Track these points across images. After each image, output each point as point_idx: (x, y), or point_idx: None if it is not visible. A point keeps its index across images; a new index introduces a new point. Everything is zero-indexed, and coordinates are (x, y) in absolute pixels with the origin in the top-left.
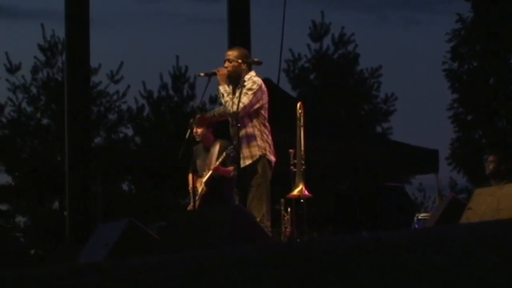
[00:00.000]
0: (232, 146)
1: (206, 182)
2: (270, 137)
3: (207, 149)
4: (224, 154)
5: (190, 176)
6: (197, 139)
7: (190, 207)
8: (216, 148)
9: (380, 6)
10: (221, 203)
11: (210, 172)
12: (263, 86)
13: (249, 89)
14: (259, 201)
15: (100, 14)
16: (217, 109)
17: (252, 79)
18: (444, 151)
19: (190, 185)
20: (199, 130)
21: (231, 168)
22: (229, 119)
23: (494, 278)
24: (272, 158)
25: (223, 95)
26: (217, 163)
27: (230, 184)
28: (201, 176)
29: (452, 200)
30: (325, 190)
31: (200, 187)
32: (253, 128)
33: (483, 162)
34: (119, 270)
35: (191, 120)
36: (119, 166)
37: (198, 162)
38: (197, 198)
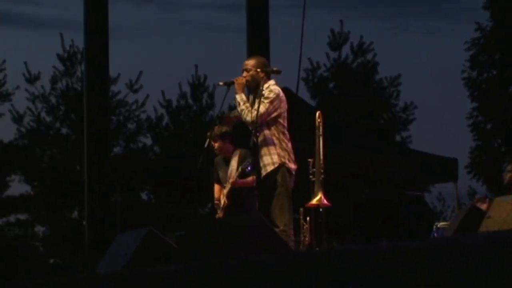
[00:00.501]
0: (248, 160)
1: (227, 195)
2: (289, 145)
3: (227, 160)
4: (240, 168)
5: (216, 187)
6: (216, 152)
7: (218, 216)
8: (235, 159)
9: (402, 15)
10: (243, 212)
11: (229, 186)
12: (281, 94)
13: (266, 97)
14: (280, 210)
15: (119, 23)
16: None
17: (269, 88)
18: (463, 160)
19: (215, 197)
20: (216, 144)
21: (250, 178)
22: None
23: None
24: (292, 166)
25: (239, 103)
26: (235, 177)
27: (252, 194)
28: (224, 188)
29: (471, 209)
30: (344, 199)
31: (222, 199)
32: (272, 136)
33: (502, 171)
34: (137, 279)
35: (208, 133)
36: (138, 176)
37: (220, 174)
38: (220, 210)
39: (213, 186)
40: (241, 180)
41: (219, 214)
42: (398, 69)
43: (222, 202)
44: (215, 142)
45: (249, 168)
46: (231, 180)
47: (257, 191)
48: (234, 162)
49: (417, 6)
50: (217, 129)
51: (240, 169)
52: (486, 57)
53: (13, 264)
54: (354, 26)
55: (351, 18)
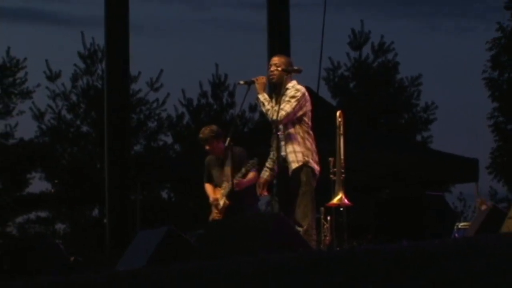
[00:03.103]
0: (253, 162)
1: (228, 196)
2: (313, 146)
3: (221, 160)
4: (243, 170)
5: (209, 187)
6: (210, 153)
7: (213, 216)
8: (230, 158)
9: (429, 15)
10: (243, 212)
11: (230, 185)
12: (306, 94)
13: (293, 96)
14: (305, 210)
15: (142, 21)
16: None
17: (295, 87)
18: (484, 160)
19: (212, 197)
20: (207, 147)
21: (251, 175)
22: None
23: None
24: (316, 166)
25: (263, 103)
26: (239, 178)
27: (251, 191)
28: (220, 187)
29: (492, 210)
30: (365, 198)
31: (221, 200)
32: (297, 135)
33: None
34: (158, 276)
35: (199, 136)
36: (158, 174)
37: (214, 173)
38: (218, 209)
39: (204, 186)
40: (245, 180)
41: (216, 214)
42: (420, 69)
43: (222, 202)
44: (205, 145)
45: (255, 168)
46: (235, 182)
47: (276, 190)
48: (228, 162)
49: (443, 5)
50: (205, 132)
51: (244, 170)
52: (507, 57)
53: (35, 262)
54: (375, 26)
55: (373, 18)
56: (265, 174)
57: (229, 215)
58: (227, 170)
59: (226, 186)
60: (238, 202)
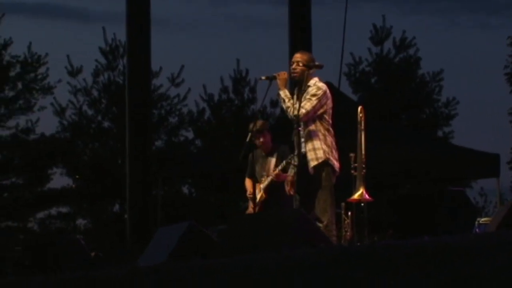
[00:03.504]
0: (292, 155)
1: (265, 189)
2: (334, 143)
3: (266, 155)
4: (284, 162)
5: (248, 181)
6: (258, 146)
7: (249, 211)
8: (275, 154)
9: (452, 10)
10: (279, 206)
11: (270, 179)
12: (328, 91)
13: (314, 95)
14: (324, 205)
15: (164, 16)
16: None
17: (316, 85)
18: (505, 155)
19: (249, 190)
20: (261, 140)
21: (291, 174)
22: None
23: None
24: (336, 163)
25: (284, 100)
26: (278, 170)
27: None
28: (259, 182)
29: None
30: (386, 194)
31: (259, 194)
32: (317, 132)
33: None
34: (179, 272)
35: (251, 126)
36: (179, 169)
37: (257, 168)
38: (256, 204)
39: (245, 180)
40: (284, 174)
41: (252, 208)
42: (441, 64)
43: (259, 196)
44: (258, 136)
45: (294, 161)
46: (274, 173)
47: (297, 187)
48: (273, 158)
49: (465, 1)
50: (259, 124)
51: (284, 162)
52: None
53: (56, 257)
54: (396, 21)
55: (394, 13)
56: (292, 171)
57: (265, 209)
58: (270, 164)
59: (265, 180)
60: (275, 197)
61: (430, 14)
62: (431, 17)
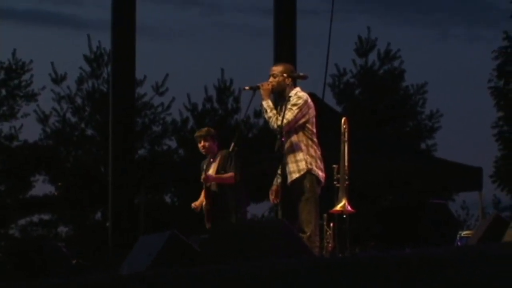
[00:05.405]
0: (232, 152)
1: (205, 196)
2: (318, 152)
3: (211, 162)
4: (218, 158)
5: (203, 192)
6: (203, 153)
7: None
8: (217, 159)
9: (438, 23)
10: (228, 214)
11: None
12: (309, 100)
13: (294, 104)
14: (308, 216)
15: (146, 24)
16: None
17: (297, 95)
18: (488, 169)
19: (196, 203)
20: (202, 143)
21: (227, 175)
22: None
23: None
24: (320, 173)
25: (266, 110)
26: (208, 172)
27: (238, 191)
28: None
29: (495, 218)
30: (368, 206)
31: (204, 203)
32: (300, 142)
33: None
34: (160, 280)
35: (196, 134)
36: (162, 178)
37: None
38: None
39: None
40: (213, 176)
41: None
42: (426, 77)
43: (204, 204)
44: (200, 140)
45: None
46: (202, 177)
47: (280, 197)
48: (214, 164)
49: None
50: (204, 130)
51: (219, 157)
52: None
53: (38, 264)
54: (382, 33)
55: (381, 25)
56: (277, 181)
57: (213, 221)
58: (212, 170)
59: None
60: (220, 203)
61: (415, 26)
62: (417, 29)
